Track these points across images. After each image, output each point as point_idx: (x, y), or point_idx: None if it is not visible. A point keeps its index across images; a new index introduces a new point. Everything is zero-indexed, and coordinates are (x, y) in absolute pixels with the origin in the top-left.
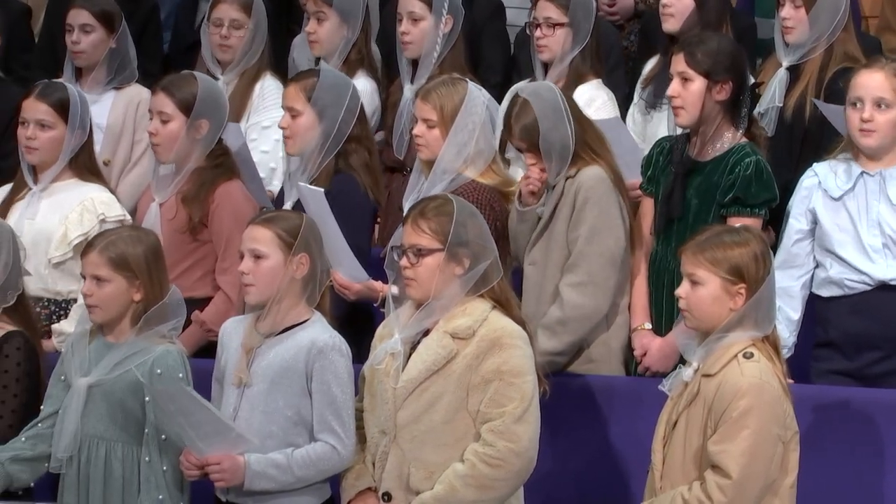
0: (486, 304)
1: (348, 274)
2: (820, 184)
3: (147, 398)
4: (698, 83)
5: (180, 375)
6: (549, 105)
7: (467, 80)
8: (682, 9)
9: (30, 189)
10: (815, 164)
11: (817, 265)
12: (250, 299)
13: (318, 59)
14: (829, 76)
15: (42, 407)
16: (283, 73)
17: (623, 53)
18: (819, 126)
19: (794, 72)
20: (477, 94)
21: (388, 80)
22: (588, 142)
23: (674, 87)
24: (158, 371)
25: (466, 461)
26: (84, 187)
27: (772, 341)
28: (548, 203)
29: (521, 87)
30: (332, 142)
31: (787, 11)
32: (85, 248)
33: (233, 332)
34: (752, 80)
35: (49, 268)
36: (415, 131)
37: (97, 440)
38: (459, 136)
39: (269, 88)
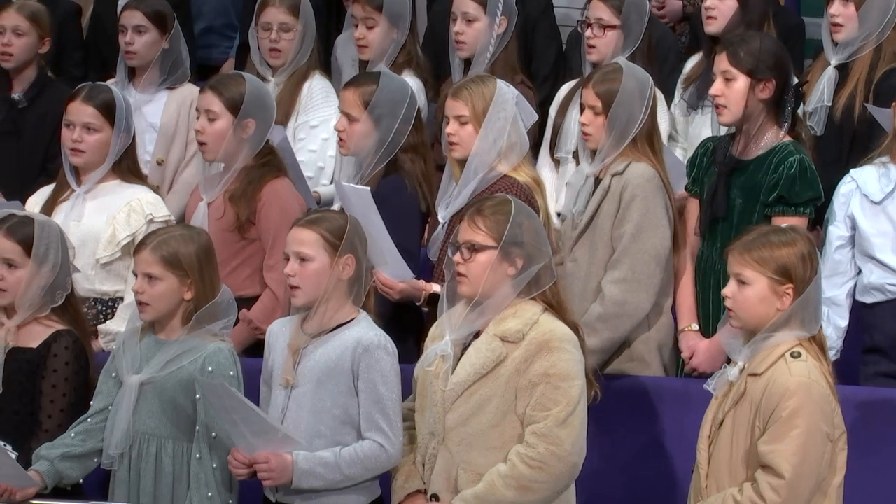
0: (537, 307)
1: (392, 273)
2: (858, 188)
3: (198, 395)
4: (741, 82)
5: (231, 373)
6: (637, 85)
7: (494, 77)
8: (725, 10)
9: (73, 190)
10: (852, 170)
11: (859, 271)
12: (297, 301)
13: (364, 62)
14: (878, 76)
15: (91, 402)
16: (326, 71)
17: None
18: (868, 126)
19: (843, 71)
20: (505, 89)
21: (436, 79)
22: (649, 136)
23: (717, 87)
24: (209, 369)
25: (508, 461)
26: (130, 188)
27: (818, 341)
28: (591, 200)
29: (622, 59)
30: (386, 150)
31: (836, 8)
32: (137, 245)
33: (279, 333)
34: (796, 80)
35: (96, 268)
36: (447, 129)
37: (148, 437)
38: (492, 130)
39: (317, 88)
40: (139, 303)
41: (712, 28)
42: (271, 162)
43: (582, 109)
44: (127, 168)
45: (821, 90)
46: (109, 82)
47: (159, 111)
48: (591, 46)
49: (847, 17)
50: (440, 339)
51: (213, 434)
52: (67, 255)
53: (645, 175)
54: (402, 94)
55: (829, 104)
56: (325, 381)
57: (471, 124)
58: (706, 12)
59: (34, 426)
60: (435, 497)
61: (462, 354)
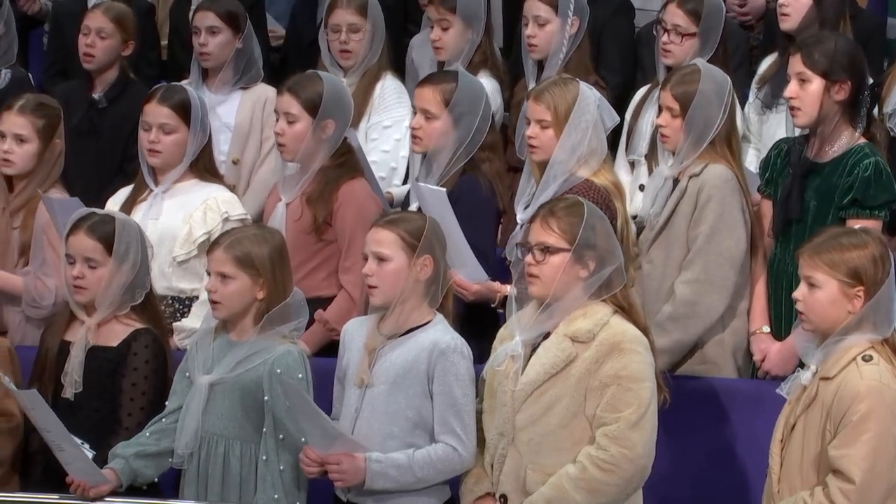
0: (608, 309)
1: (468, 274)
2: None
3: (266, 398)
4: (816, 84)
5: (300, 376)
6: (715, 87)
7: (577, 80)
8: (798, 7)
9: (151, 190)
10: None
11: None
12: (375, 301)
13: (441, 63)
14: None
15: (167, 402)
16: (399, 71)
17: (752, 52)
18: None
19: None
20: (588, 93)
21: (511, 79)
22: (728, 138)
23: (791, 88)
24: (278, 370)
25: (578, 463)
26: (207, 187)
27: (891, 344)
28: (668, 202)
29: (700, 60)
30: (465, 149)
31: None
32: (211, 245)
33: (355, 333)
34: (871, 80)
35: (173, 266)
36: (528, 132)
37: (217, 437)
38: (573, 135)
39: (389, 88)
40: (212, 301)
41: (786, 25)
42: (348, 162)
43: (659, 111)
44: (203, 167)
45: None
46: (183, 83)
47: (233, 111)
48: (667, 52)
49: None
50: (509, 340)
51: (281, 436)
52: (146, 254)
53: (722, 177)
54: (479, 92)
55: None
56: (400, 382)
57: (552, 129)
58: (780, 9)
59: (114, 424)
60: (504, 497)
61: (532, 355)
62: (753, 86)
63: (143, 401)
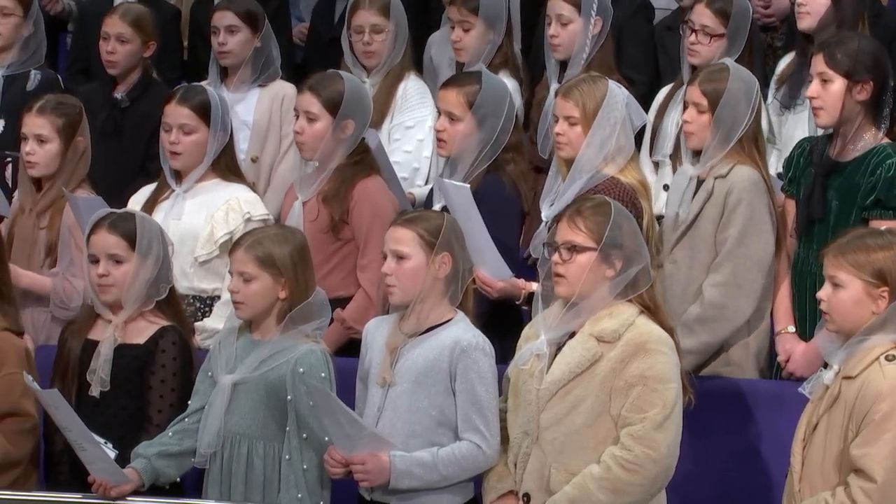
0: (634, 309)
1: (492, 271)
2: None
3: (289, 396)
4: (838, 84)
5: (323, 375)
6: (744, 88)
7: (606, 77)
8: (816, 7)
9: (173, 190)
10: None
11: None
12: (394, 300)
13: (461, 64)
14: None
15: (189, 402)
16: (420, 70)
17: (771, 52)
18: None
19: None
20: (617, 91)
21: (532, 78)
22: (755, 139)
23: (813, 88)
24: (301, 370)
25: (602, 463)
26: (229, 187)
27: None
28: (693, 202)
29: (729, 59)
30: (490, 150)
31: None
32: (233, 245)
33: (376, 332)
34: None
35: (195, 266)
36: (556, 129)
37: (240, 437)
38: (601, 132)
39: (412, 89)
40: (235, 302)
41: (804, 24)
42: (363, 160)
43: (685, 107)
44: (225, 166)
45: None
46: (203, 83)
47: (251, 109)
48: (695, 52)
49: None
50: (534, 339)
51: (304, 435)
52: (167, 250)
53: (750, 179)
54: (503, 92)
55: None
56: (422, 381)
57: (580, 125)
58: (798, 8)
59: (143, 421)
60: (527, 496)
61: (557, 354)
62: (772, 86)
63: (173, 397)
